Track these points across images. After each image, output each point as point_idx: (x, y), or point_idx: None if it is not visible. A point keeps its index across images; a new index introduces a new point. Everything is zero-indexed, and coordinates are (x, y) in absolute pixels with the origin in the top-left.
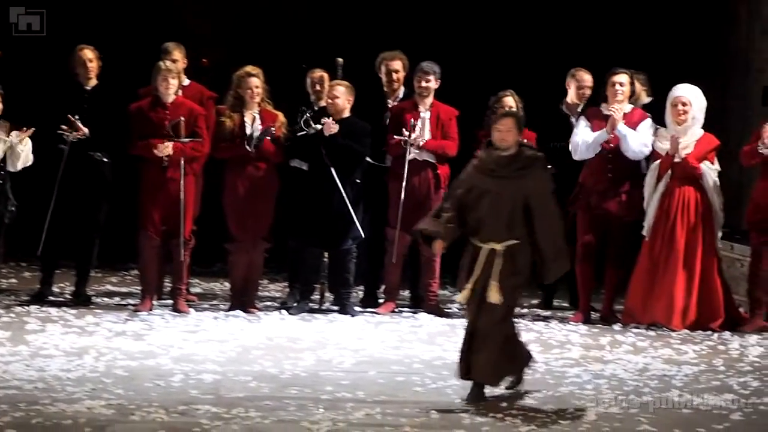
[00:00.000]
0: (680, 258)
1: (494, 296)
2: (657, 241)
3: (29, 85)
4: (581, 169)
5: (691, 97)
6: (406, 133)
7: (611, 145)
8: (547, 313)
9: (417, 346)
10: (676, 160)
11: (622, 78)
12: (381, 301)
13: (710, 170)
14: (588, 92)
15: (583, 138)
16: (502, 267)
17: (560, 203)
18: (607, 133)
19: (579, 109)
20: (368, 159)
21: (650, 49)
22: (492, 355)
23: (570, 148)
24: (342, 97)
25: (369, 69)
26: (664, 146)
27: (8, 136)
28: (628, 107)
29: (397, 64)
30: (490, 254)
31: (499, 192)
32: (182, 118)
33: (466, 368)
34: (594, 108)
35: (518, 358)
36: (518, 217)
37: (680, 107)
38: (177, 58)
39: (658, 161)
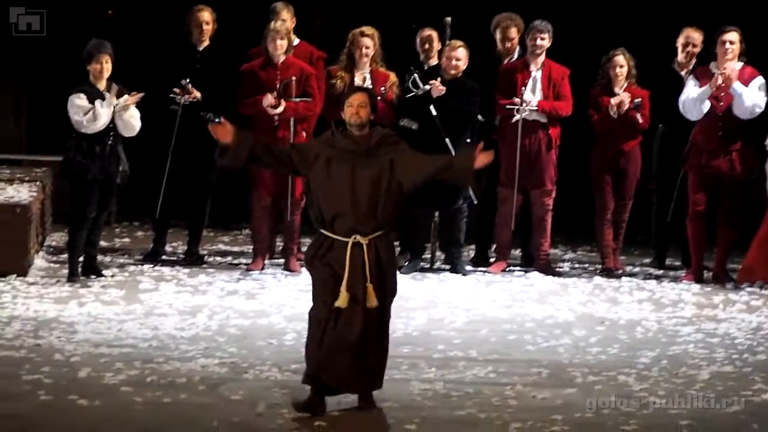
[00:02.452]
0: None
1: (372, 300)
2: None
3: (141, 47)
4: (692, 127)
5: None
6: (517, 100)
7: (722, 104)
8: (660, 272)
9: (528, 305)
10: None
11: (732, 36)
12: (492, 260)
13: None
14: (696, 50)
15: (689, 95)
16: (370, 264)
17: (673, 162)
18: (711, 88)
19: (690, 68)
20: (479, 117)
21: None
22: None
23: (680, 108)
24: (463, 59)
25: (479, 27)
26: None
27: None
28: (738, 65)
29: (513, 31)
30: (355, 249)
31: (360, 174)
32: (293, 78)
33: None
34: (703, 67)
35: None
36: (381, 202)
37: None
38: (286, 18)
39: None
